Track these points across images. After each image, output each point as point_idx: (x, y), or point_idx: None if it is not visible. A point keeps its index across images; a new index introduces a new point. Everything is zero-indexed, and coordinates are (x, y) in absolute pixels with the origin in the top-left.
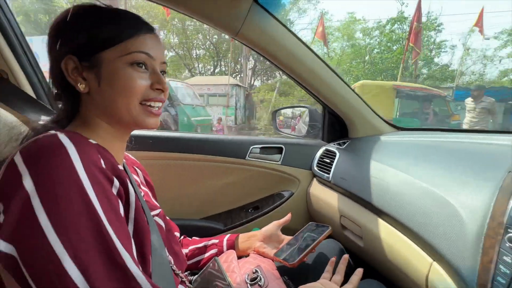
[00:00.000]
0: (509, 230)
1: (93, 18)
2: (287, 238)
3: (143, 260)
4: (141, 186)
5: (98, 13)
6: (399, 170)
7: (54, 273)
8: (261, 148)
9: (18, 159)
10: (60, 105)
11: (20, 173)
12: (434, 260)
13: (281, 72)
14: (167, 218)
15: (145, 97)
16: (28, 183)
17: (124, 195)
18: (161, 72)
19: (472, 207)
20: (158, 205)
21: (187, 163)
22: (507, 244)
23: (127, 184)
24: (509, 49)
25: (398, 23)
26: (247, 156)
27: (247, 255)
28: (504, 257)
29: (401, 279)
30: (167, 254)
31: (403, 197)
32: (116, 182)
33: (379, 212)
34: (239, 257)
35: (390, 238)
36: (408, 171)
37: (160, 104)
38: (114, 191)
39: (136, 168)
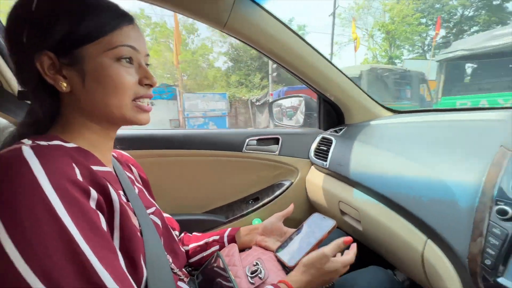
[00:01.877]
0: (498, 202)
1: (70, 8)
2: (290, 231)
3: (133, 266)
4: (136, 183)
5: (75, 0)
6: (394, 152)
7: None
8: (257, 140)
9: None
10: (31, 105)
11: None
12: (428, 238)
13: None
14: (167, 215)
15: (136, 95)
16: None
17: (105, 204)
18: (147, 65)
19: (464, 184)
20: (154, 203)
21: (185, 159)
22: (497, 216)
23: (108, 191)
24: None
25: None
26: (243, 148)
27: (250, 248)
28: (494, 229)
29: (399, 258)
30: (165, 253)
31: (398, 179)
32: (94, 193)
33: (375, 195)
34: (242, 250)
35: (387, 219)
36: (403, 153)
37: (149, 100)
38: (92, 203)
39: (131, 166)
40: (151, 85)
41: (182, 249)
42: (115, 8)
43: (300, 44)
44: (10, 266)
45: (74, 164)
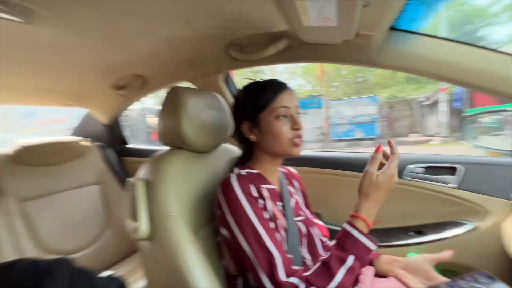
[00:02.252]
0: None
1: (253, 93)
2: (439, 278)
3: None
4: (293, 195)
5: (255, 88)
6: None
7: (239, 248)
8: (426, 168)
9: (219, 190)
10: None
11: (220, 199)
12: None
13: None
14: (320, 223)
15: (290, 138)
16: (223, 204)
17: (265, 207)
18: (297, 113)
19: None
20: (305, 213)
21: (340, 178)
22: None
23: (266, 201)
24: None
25: None
26: (402, 175)
27: (386, 277)
28: None
29: None
30: (306, 251)
31: None
32: (261, 201)
33: None
34: (378, 275)
35: None
36: None
37: (300, 138)
38: (261, 206)
39: (294, 181)
40: (299, 129)
41: (323, 253)
42: (275, 82)
43: (478, 54)
44: (232, 230)
45: (252, 185)
